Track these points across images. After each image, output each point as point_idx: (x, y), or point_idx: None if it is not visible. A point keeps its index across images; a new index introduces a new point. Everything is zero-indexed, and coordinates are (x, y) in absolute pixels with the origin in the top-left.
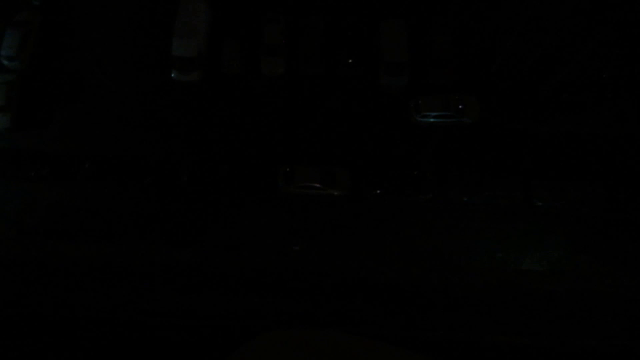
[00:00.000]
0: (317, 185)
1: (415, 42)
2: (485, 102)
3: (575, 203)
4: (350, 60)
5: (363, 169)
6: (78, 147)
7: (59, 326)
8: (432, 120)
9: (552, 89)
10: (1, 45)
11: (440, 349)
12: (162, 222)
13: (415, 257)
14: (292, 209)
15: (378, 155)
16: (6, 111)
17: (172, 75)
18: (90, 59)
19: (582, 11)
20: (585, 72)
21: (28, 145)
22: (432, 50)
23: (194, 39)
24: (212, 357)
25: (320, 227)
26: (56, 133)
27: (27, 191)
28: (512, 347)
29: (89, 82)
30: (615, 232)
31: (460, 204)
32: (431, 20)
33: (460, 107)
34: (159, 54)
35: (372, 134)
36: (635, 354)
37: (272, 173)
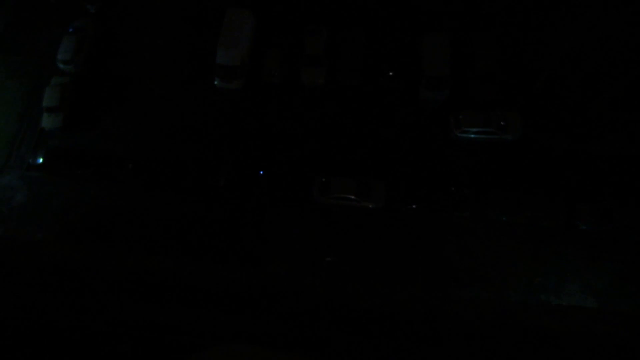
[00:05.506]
0: (352, 197)
1: (458, 56)
2: (529, 118)
3: (624, 228)
4: (390, 73)
5: (399, 182)
6: (122, 148)
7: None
8: (472, 136)
9: (602, 105)
10: (58, 50)
11: None
12: (198, 225)
13: (448, 277)
14: (326, 219)
15: (415, 170)
16: (59, 111)
17: (215, 82)
18: (139, 66)
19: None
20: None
21: (76, 145)
22: (475, 65)
23: (238, 48)
24: None
25: (354, 240)
26: (103, 134)
27: (72, 188)
28: None
29: (137, 87)
30: None
31: (499, 224)
32: (475, 34)
33: (502, 123)
34: (204, 62)
35: (410, 147)
36: None
37: (307, 182)
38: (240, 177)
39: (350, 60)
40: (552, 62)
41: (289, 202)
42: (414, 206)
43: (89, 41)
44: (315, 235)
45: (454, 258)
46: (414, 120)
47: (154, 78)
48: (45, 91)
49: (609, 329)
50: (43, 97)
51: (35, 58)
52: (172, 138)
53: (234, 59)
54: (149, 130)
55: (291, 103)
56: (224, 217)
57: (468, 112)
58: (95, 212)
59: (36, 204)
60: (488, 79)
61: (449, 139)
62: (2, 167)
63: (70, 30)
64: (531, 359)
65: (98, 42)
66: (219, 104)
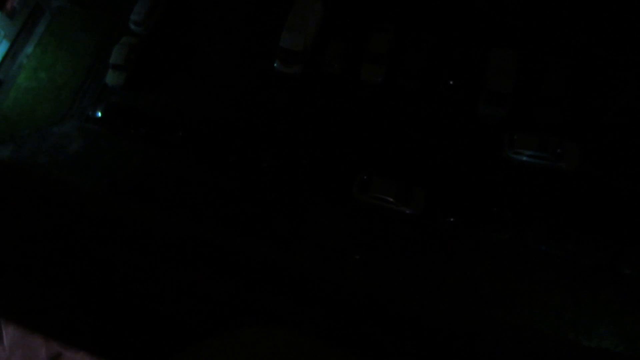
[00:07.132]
0: (391, 199)
1: (525, 76)
2: (590, 152)
3: None
4: (451, 82)
5: (441, 193)
6: (176, 114)
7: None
8: (524, 158)
9: None
10: (132, 11)
11: None
12: (235, 202)
13: (474, 299)
14: (361, 217)
15: (459, 183)
16: (123, 70)
17: (275, 65)
18: (205, 38)
19: None
20: None
21: (134, 104)
22: (542, 87)
23: (303, 34)
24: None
25: (385, 242)
26: (160, 98)
27: (123, 146)
28: None
29: (199, 58)
30: None
31: (537, 253)
32: (547, 57)
33: (558, 151)
34: (267, 43)
35: (458, 160)
36: None
37: (349, 177)
38: (284, 162)
39: (412, 64)
40: (626, 97)
41: (326, 193)
42: (451, 220)
43: (162, 7)
44: (347, 231)
45: (484, 279)
46: (467, 133)
47: (218, 52)
48: (114, 48)
49: None
50: (111, 54)
51: (110, 15)
52: (225, 113)
53: (297, 45)
54: (204, 101)
55: (346, 97)
56: (262, 197)
57: (524, 133)
58: (142, 173)
59: (88, 155)
60: (553, 103)
61: (500, 158)
62: (64, 115)
63: None
64: None
65: (170, 9)
66: (275, 86)
